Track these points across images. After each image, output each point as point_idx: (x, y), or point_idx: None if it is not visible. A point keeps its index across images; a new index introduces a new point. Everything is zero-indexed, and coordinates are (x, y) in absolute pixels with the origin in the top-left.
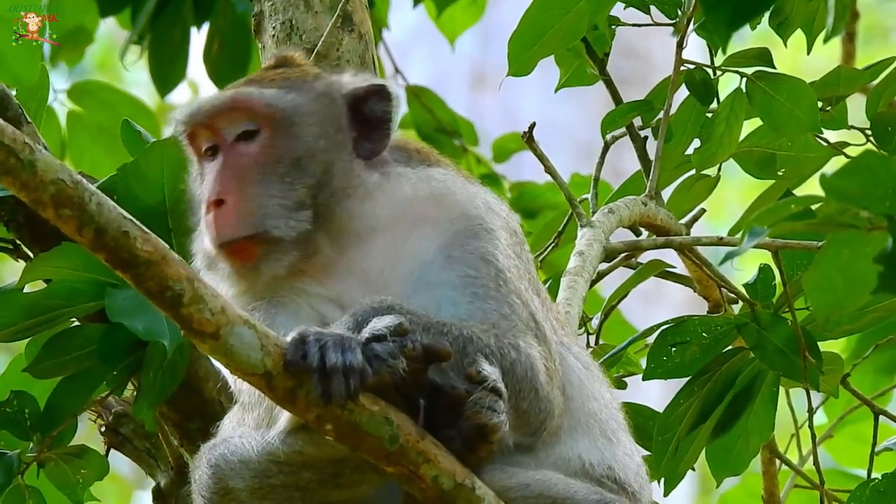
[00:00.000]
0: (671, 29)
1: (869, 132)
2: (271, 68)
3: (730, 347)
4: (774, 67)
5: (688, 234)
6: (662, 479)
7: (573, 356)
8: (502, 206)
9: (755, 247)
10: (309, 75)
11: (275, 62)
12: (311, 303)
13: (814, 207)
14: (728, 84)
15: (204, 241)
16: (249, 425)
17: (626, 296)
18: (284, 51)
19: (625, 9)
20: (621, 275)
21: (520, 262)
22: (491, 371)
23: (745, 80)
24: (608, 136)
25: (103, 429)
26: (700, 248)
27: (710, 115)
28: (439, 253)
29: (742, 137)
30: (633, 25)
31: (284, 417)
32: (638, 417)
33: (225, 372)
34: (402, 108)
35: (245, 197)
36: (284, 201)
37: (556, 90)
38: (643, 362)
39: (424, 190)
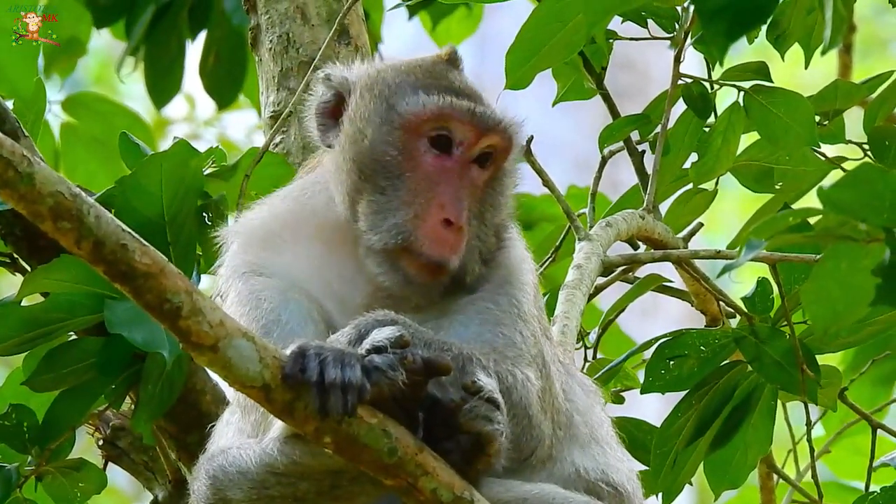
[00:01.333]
0: (669, 42)
1: (866, 146)
2: (456, 70)
3: (728, 361)
4: (772, 81)
5: (685, 247)
6: (661, 493)
7: (577, 384)
8: (534, 266)
9: (753, 260)
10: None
11: (449, 56)
12: (327, 305)
13: (812, 220)
14: (725, 98)
15: (415, 239)
16: (246, 429)
17: (623, 309)
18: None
19: (622, 22)
20: (619, 288)
21: (537, 313)
22: (487, 382)
23: (742, 93)
24: (606, 150)
25: (101, 442)
26: (698, 262)
27: (707, 128)
28: (471, 290)
29: (739, 151)
30: (631, 39)
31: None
32: (636, 431)
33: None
34: None
35: (469, 233)
36: (482, 247)
37: (554, 104)
38: (641, 376)
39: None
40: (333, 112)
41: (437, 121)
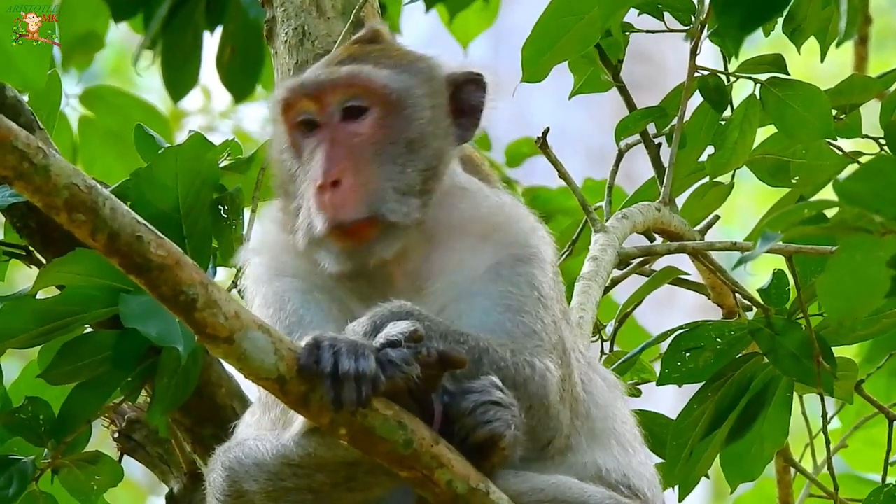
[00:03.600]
0: (685, 35)
1: (882, 140)
2: (367, 42)
3: (743, 353)
4: (788, 74)
5: (702, 240)
6: (677, 486)
7: (600, 377)
8: (552, 239)
9: (769, 252)
10: (413, 56)
11: (369, 36)
12: (346, 300)
13: (827, 212)
14: (742, 90)
15: (313, 221)
16: (266, 426)
17: (640, 302)
18: (375, 25)
19: (638, 15)
20: (635, 281)
21: (557, 295)
22: (487, 384)
23: (758, 86)
24: (622, 143)
25: (116, 435)
26: (714, 254)
27: (723, 121)
28: (489, 270)
29: (756, 144)
30: (647, 32)
31: (300, 419)
32: (652, 424)
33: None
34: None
35: (361, 178)
36: (398, 185)
37: (570, 97)
38: (657, 368)
39: (497, 216)
40: None
41: (290, 107)
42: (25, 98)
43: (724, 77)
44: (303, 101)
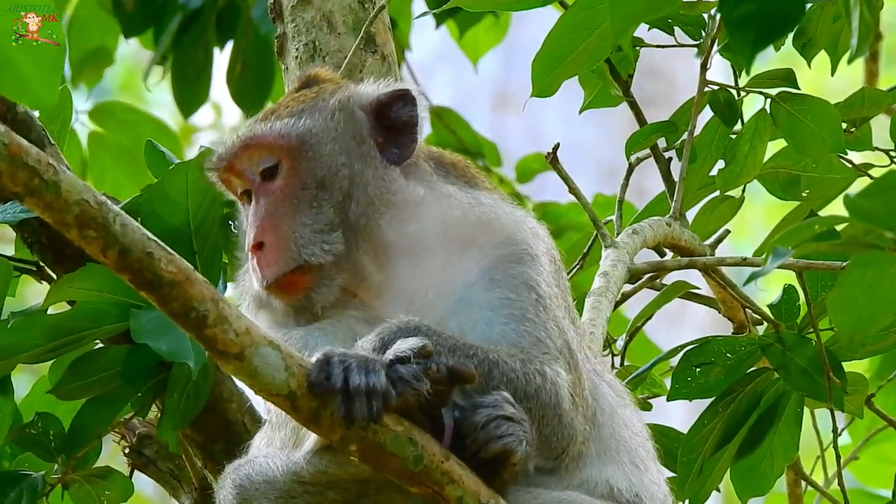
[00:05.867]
0: (695, 50)
1: (893, 153)
2: (293, 92)
3: (754, 368)
4: (798, 88)
5: (712, 255)
6: (687, 500)
7: (606, 384)
8: (545, 232)
9: (779, 267)
10: (325, 93)
11: (298, 84)
12: (350, 324)
13: (838, 228)
14: (752, 105)
15: (253, 285)
16: (276, 445)
17: (650, 317)
18: (310, 69)
19: (649, 30)
20: (646, 296)
21: (559, 290)
22: (498, 399)
23: (769, 100)
24: (632, 157)
25: (127, 450)
26: (724, 269)
27: (734, 136)
28: (482, 275)
29: (766, 158)
30: (657, 47)
31: (311, 438)
32: (663, 438)
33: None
34: (427, 113)
35: (280, 234)
36: (316, 226)
37: (581, 111)
38: (668, 383)
39: (474, 215)
40: None
41: (226, 183)
42: (36, 114)
43: (734, 92)
44: (225, 175)
